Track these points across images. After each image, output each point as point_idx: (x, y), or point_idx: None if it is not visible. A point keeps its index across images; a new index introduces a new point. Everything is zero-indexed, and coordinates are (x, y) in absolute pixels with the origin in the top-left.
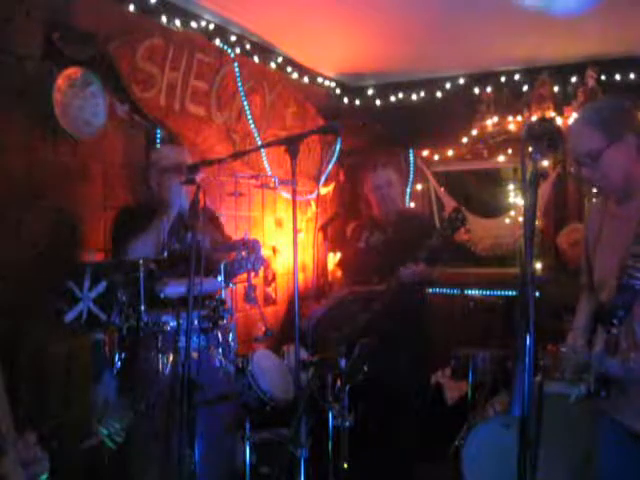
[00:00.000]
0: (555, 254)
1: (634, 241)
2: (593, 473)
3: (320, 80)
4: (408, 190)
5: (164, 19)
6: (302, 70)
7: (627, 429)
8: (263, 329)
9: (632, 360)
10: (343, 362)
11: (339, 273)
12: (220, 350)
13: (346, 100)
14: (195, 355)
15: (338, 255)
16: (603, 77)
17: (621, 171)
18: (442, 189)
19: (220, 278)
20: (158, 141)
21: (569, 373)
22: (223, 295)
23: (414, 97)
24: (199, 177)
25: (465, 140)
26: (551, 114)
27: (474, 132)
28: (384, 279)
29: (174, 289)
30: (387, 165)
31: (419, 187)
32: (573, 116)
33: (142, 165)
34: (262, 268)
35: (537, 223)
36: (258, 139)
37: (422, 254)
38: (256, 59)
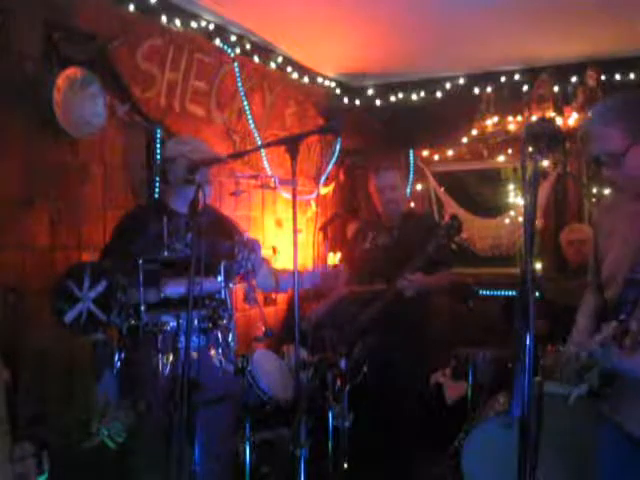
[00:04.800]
0: (557, 254)
1: None
2: (592, 476)
3: (320, 80)
4: (408, 190)
5: (164, 19)
6: (302, 70)
7: (627, 434)
8: (263, 329)
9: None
10: (343, 362)
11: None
12: (220, 350)
13: (346, 100)
14: (195, 355)
15: (338, 255)
16: (603, 77)
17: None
18: (442, 189)
19: (220, 278)
20: (158, 141)
21: (568, 376)
22: (223, 295)
23: (414, 97)
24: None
25: (465, 140)
26: (551, 114)
27: (474, 132)
28: (390, 281)
29: (174, 289)
30: (390, 168)
31: (419, 187)
32: (573, 116)
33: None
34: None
35: (537, 223)
36: (258, 139)
37: (419, 261)
38: (256, 59)
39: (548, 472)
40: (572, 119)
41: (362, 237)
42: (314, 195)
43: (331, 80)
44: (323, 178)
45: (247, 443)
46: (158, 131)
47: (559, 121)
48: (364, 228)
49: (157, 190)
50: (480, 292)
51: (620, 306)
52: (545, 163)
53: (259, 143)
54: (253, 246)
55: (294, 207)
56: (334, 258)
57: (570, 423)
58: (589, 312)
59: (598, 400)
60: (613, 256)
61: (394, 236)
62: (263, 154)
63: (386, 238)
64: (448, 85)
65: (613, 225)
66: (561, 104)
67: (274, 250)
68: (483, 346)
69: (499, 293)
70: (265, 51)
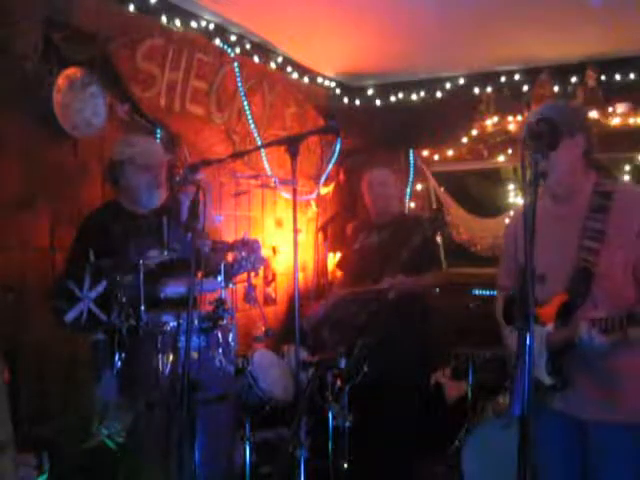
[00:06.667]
0: None
1: (583, 235)
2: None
3: (320, 80)
4: (408, 190)
5: (164, 19)
6: (302, 70)
7: (571, 418)
8: (263, 329)
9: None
10: (343, 362)
11: (339, 273)
12: (220, 350)
13: (346, 100)
14: (195, 355)
15: (338, 255)
16: (603, 77)
17: (566, 165)
18: (442, 189)
19: (220, 278)
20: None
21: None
22: (223, 295)
23: (414, 97)
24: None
25: (465, 140)
26: None
27: (474, 132)
28: (377, 281)
29: (174, 289)
30: (383, 166)
31: (419, 187)
32: None
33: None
34: (262, 268)
35: None
36: (258, 139)
37: (404, 256)
38: (256, 59)
39: None
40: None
41: (354, 238)
42: (314, 195)
43: (331, 80)
44: (323, 178)
45: (247, 443)
46: (158, 131)
47: None
48: (356, 229)
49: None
50: (474, 291)
51: (568, 302)
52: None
53: (259, 143)
54: (253, 246)
55: (294, 207)
56: (334, 258)
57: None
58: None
59: (536, 392)
60: (543, 258)
61: (382, 236)
62: (263, 154)
63: (375, 238)
64: (448, 85)
65: (538, 232)
66: None
67: (274, 250)
68: (483, 346)
69: None
70: (265, 51)
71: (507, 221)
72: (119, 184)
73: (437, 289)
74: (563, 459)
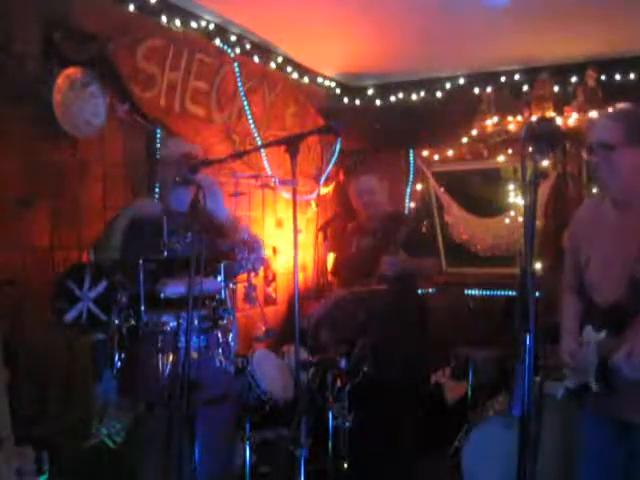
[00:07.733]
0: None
1: None
2: (577, 459)
3: (320, 80)
4: (408, 190)
5: (164, 19)
6: (302, 70)
7: (613, 421)
8: (263, 329)
9: None
10: (343, 362)
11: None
12: (220, 350)
13: (346, 100)
14: (195, 355)
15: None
16: (603, 77)
17: (628, 173)
18: (442, 189)
19: (220, 278)
20: (158, 141)
21: (573, 377)
22: (223, 295)
23: (414, 97)
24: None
25: (465, 140)
26: (551, 114)
27: (474, 132)
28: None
29: (174, 289)
30: (369, 173)
31: (419, 187)
32: (573, 116)
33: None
34: (262, 268)
35: (537, 223)
36: (258, 139)
37: (392, 251)
38: (256, 59)
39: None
40: (572, 119)
41: (349, 241)
42: (314, 195)
43: (331, 80)
44: (323, 178)
45: (247, 443)
46: (158, 131)
47: (559, 121)
48: (351, 232)
49: (157, 190)
50: (474, 292)
51: (623, 311)
52: (545, 163)
53: (259, 143)
54: (253, 245)
55: (294, 207)
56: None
57: (563, 414)
58: (574, 314)
59: (584, 393)
60: (602, 264)
61: (377, 239)
62: (263, 154)
63: (369, 241)
64: (448, 85)
65: (597, 232)
66: (561, 104)
67: (274, 250)
68: (483, 346)
69: (499, 293)
70: (265, 51)
71: (507, 221)
72: (157, 180)
73: (433, 289)
74: (604, 462)
